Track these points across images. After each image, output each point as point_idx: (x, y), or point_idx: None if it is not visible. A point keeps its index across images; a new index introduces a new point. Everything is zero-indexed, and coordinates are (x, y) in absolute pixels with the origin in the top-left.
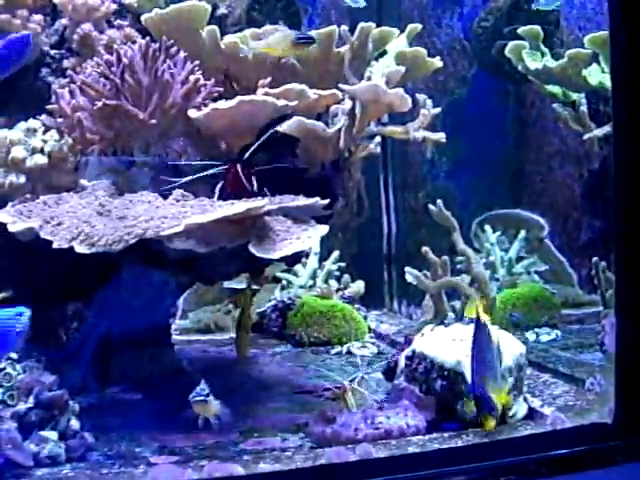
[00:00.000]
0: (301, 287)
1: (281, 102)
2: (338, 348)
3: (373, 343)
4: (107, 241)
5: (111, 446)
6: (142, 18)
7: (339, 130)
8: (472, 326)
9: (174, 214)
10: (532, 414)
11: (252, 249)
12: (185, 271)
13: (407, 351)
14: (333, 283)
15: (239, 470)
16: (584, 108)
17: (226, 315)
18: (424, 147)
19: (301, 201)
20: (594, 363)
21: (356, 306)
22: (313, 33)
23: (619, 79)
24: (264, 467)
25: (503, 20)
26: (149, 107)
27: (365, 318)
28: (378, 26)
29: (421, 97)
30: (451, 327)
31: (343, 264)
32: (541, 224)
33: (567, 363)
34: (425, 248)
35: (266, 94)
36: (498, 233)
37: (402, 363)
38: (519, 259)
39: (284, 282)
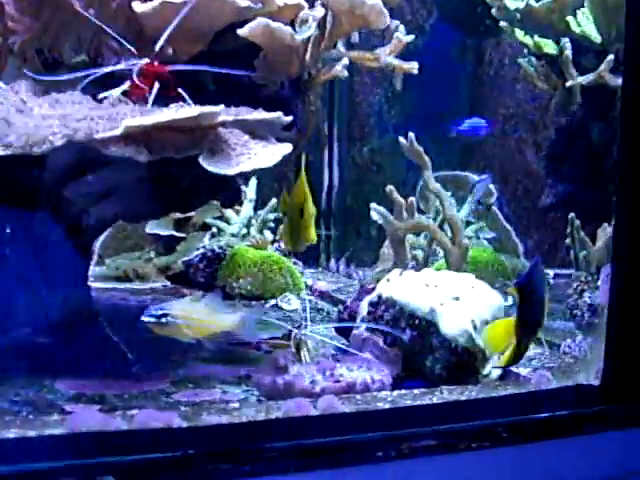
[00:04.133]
0: (233, 236)
1: (244, 2)
2: (273, 301)
3: (310, 301)
4: (27, 141)
5: (17, 392)
6: None
7: (307, 41)
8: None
9: (111, 115)
10: (506, 375)
11: (203, 163)
12: (109, 202)
13: (371, 297)
14: (268, 234)
15: (179, 421)
16: (569, 53)
17: (147, 263)
18: (394, 77)
19: (261, 114)
20: (560, 329)
21: (292, 260)
22: None
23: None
24: (210, 419)
25: None
26: None
27: (301, 274)
28: None
29: (394, 22)
30: (423, 271)
31: (280, 214)
32: (490, 190)
33: None
34: (390, 187)
35: None
36: (449, 194)
37: (364, 311)
38: (467, 224)
39: (214, 230)
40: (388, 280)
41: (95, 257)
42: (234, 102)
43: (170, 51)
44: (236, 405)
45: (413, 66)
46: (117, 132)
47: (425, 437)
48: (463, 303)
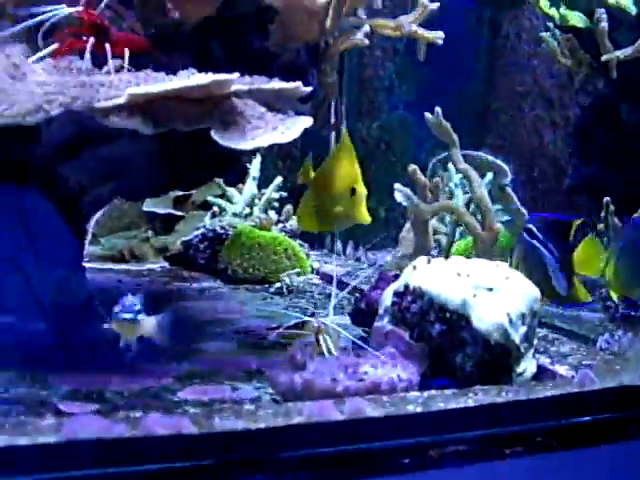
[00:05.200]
0: (235, 215)
1: None
2: (278, 285)
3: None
4: (20, 110)
5: (6, 387)
6: None
7: (328, 4)
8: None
9: (113, 82)
10: (541, 372)
11: (216, 136)
12: (107, 179)
13: (396, 286)
14: (272, 214)
15: (189, 427)
16: (604, 24)
17: (144, 243)
18: (417, 48)
19: (279, 84)
20: (593, 320)
21: (297, 242)
22: None
23: None
24: (223, 424)
25: None
26: None
27: (307, 256)
28: None
29: None
30: (453, 259)
31: (285, 194)
32: (504, 170)
33: (561, 318)
34: (413, 166)
35: None
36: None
37: (388, 301)
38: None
39: (215, 209)
40: (415, 268)
41: (89, 236)
42: (244, 71)
43: (176, 15)
44: (251, 407)
45: (438, 35)
46: (120, 100)
47: (456, 443)
48: (498, 294)
